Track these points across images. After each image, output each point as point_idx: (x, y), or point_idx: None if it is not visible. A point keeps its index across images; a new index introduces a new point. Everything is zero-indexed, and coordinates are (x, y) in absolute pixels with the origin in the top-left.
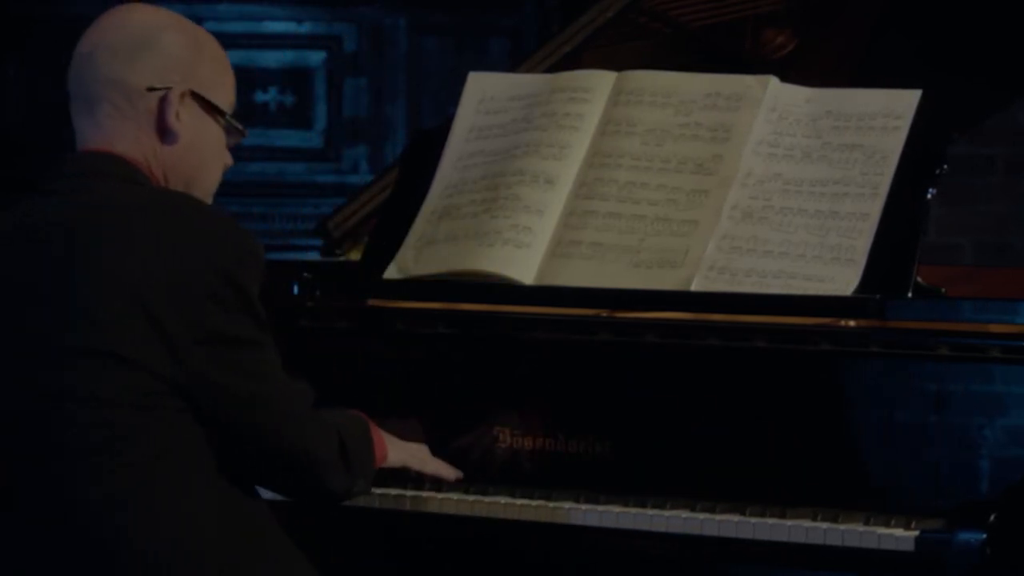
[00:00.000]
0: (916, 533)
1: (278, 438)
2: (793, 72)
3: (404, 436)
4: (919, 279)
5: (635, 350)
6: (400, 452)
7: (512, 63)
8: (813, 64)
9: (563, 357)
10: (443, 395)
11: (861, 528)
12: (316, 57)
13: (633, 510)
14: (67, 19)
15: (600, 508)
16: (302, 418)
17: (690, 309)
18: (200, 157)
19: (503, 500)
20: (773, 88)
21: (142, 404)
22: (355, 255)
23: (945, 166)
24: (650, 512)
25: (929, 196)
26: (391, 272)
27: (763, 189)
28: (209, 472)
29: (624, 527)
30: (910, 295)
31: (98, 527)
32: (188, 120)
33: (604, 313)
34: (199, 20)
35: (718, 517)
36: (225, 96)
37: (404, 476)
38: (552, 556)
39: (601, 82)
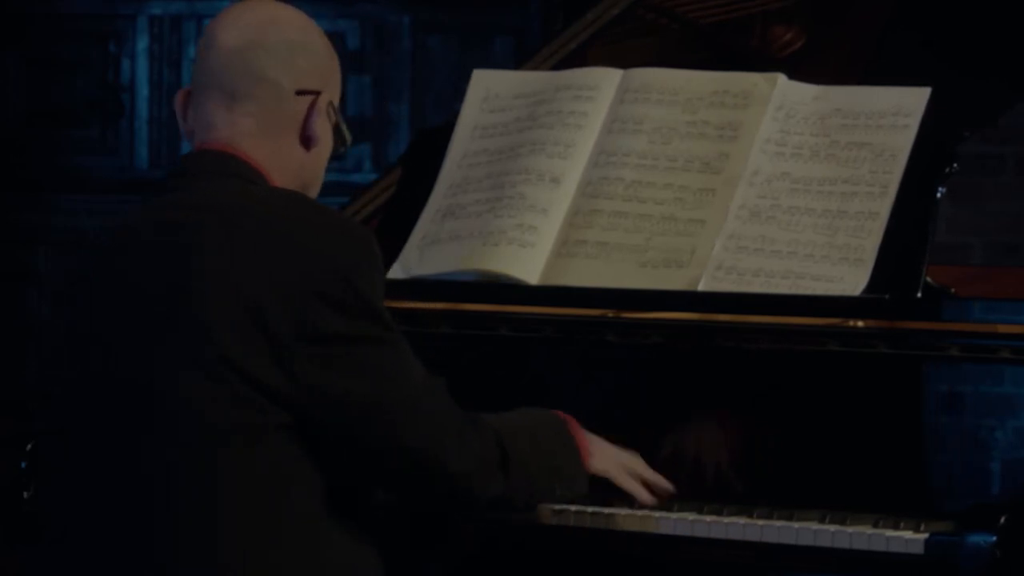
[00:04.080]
0: (925, 536)
1: (404, 443)
2: (801, 69)
3: None
4: (928, 279)
5: (641, 351)
6: (603, 461)
7: (517, 61)
8: (821, 61)
9: (568, 358)
10: None
11: (870, 531)
12: None
13: (639, 512)
14: (67, 18)
15: (606, 510)
16: (436, 421)
17: (697, 309)
18: (321, 164)
19: None
20: (781, 86)
21: (241, 419)
22: None
23: (955, 165)
24: (656, 515)
25: (939, 195)
26: (395, 272)
27: (771, 188)
28: (299, 501)
29: (628, 530)
30: (919, 295)
31: (175, 542)
32: (321, 127)
33: (610, 313)
34: (201, 17)
35: (725, 519)
36: (338, 101)
37: None
38: (553, 559)
39: (607, 80)
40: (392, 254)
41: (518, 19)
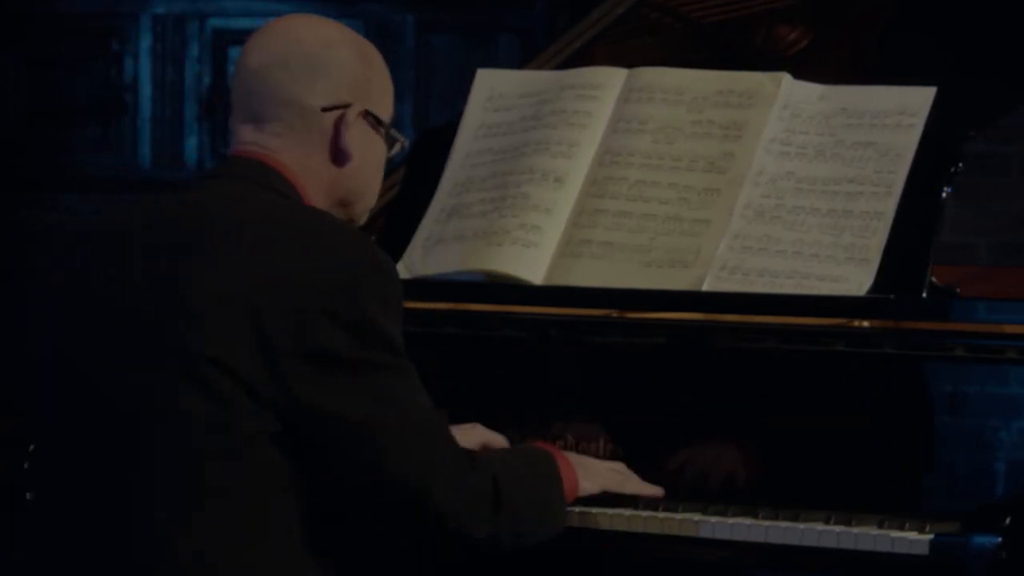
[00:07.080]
0: (930, 537)
1: (391, 474)
2: (806, 69)
3: None
4: (933, 279)
5: (645, 351)
6: (595, 479)
7: (521, 61)
8: (826, 61)
9: (572, 358)
10: (450, 397)
11: (874, 531)
12: None
13: (643, 513)
14: (68, 16)
15: (610, 511)
16: (428, 455)
17: (701, 309)
18: (366, 174)
19: None
20: (786, 85)
21: (227, 421)
22: None
23: (960, 164)
24: (661, 515)
25: (944, 195)
26: (398, 271)
27: (775, 188)
28: (286, 510)
29: (634, 531)
30: (924, 295)
31: (158, 546)
32: (358, 139)
33: (614, 313)
34: (204, 16)
35: (730, 520)
36: (389, 109)
37: None
38: (556, 559)
39: (611, 79)
40: (396, 254)
41: (522, 18)
